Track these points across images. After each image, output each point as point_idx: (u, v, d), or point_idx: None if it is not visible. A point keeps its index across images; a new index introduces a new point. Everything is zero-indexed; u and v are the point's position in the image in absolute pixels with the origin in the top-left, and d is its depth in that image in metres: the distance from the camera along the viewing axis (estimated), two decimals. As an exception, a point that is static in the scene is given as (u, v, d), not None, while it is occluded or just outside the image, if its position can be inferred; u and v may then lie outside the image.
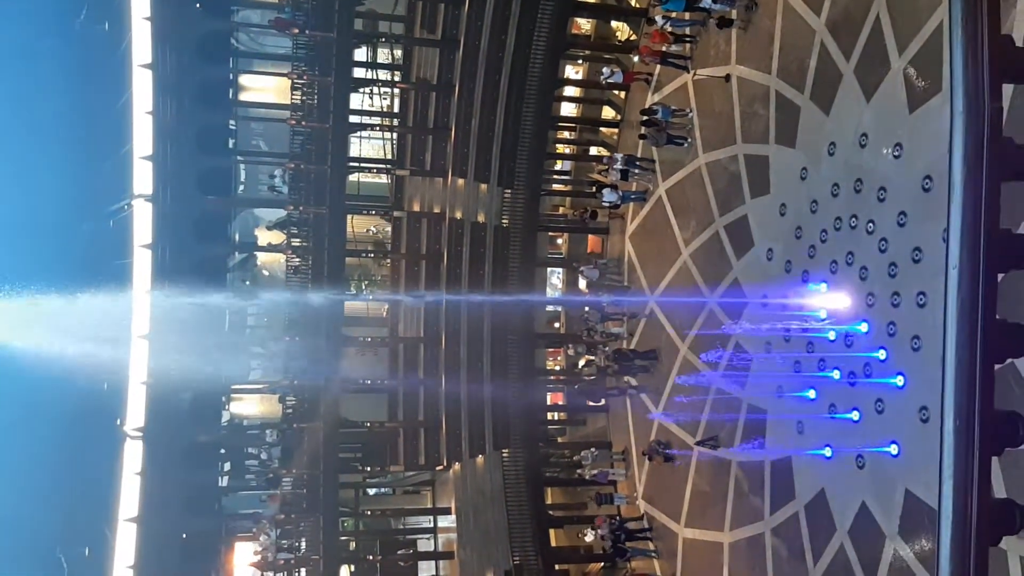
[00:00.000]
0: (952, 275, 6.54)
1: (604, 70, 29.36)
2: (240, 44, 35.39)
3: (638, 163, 28.39)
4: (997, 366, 7.20)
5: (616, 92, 31.40)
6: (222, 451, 36.54)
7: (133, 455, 31.55)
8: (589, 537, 27.94)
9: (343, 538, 35.32)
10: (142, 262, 31.42)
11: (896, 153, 18.37)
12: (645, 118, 27.09)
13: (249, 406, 39.07)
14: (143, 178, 31.22)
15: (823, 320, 20.31)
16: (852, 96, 19.80)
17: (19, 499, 32.21)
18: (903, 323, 17.88)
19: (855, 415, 19.02)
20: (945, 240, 7.04)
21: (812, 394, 20.37)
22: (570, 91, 34.66)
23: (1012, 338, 7.21)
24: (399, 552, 37.62)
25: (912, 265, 17.70)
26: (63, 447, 32.89)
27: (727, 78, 24.66)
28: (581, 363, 31.80)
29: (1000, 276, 7.44)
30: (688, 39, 26.32)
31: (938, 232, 15.79)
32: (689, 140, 26.46)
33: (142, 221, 31.46)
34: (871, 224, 19.02)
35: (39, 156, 33.79)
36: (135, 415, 31.56)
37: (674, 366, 26.68)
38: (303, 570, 34.20)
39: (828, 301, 20.23)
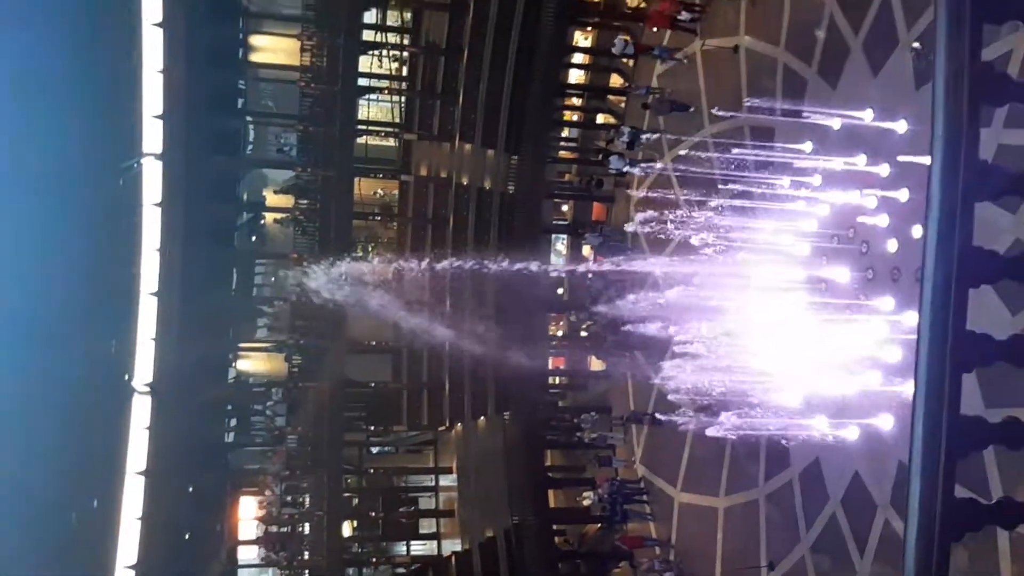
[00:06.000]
0: (927, 287, 6.88)
1: (616, 41, 29.21)
2: (251, 4, 35.24)
3: (643, 135, 28.42)
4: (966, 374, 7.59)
5: (624, 60, 31.29)
6: (229, 407, 37.09)
7: (142, 410, 32.05)
8: (588, 501, 28.47)
9: (346, 495, 35.97)
10: (151, 220, 31.62)
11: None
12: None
13: (255, 364, 39.56)
14: (153, 137, 31.31)
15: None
16: (859, 71, 19.87)
17: (28, 454, 32.86)
18: (898, 297, 18.23)
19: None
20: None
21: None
22: (578, 58, 34.50)
23: (978, 349, 7.57)
24: (401, 509, 38.33)
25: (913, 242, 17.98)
26: (74, 402, 33.43)
27: (735, 49, 24.66)
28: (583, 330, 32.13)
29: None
30: (697, 8, 26.27)
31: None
32: (692, 107, 26.50)
33: (152, 180, 31.61)
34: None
35: (50, 113, 33.86)
36: (144, 371, 32.02)
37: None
38: (307, 525, 34.95)
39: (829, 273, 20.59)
